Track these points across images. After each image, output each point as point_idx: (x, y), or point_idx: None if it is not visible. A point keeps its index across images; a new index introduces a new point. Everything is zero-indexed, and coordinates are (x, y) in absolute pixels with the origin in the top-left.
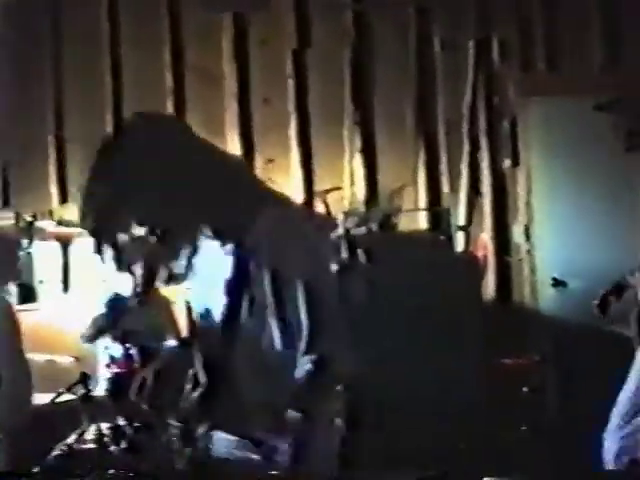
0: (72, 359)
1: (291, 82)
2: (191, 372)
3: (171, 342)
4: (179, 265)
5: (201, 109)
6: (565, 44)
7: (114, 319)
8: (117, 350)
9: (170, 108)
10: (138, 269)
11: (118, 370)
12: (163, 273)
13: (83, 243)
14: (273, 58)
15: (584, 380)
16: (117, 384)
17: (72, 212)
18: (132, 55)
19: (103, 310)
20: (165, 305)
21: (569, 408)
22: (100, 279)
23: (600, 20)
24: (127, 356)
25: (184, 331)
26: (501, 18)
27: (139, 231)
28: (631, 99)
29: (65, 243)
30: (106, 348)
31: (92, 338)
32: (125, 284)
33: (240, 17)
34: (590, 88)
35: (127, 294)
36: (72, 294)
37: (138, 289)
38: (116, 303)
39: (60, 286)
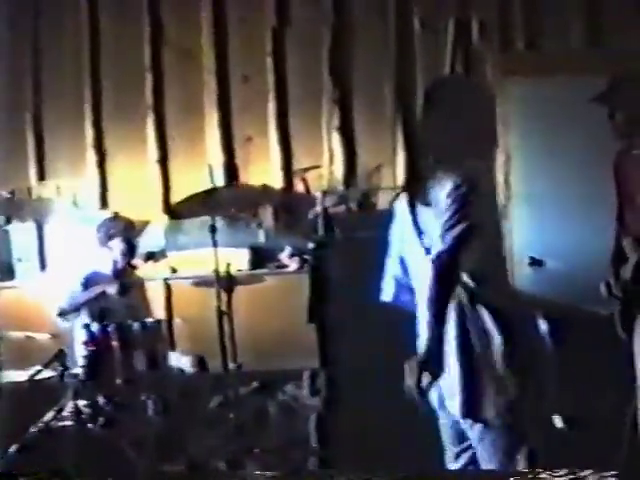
0: (49, 336)
1: (270, 60)
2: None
3: (148, 320)
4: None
5: (179, 86)
6: (544, 24)
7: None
8: (95, 327)
9: (148, 84)
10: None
11: (94, 347)
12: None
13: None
14: (252, 36)
15: (558, 359)
16: (94, 361)
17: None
18: (111, 31)
19: (79, 287)
20: (139, 284)
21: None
22: (78, 257)
23: None
24: (104, 333)
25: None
26: None
27: None
28: (627, 85)
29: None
30: (85, 326)
31: (67, 313)
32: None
33: None
34: (569, 68)
35: (105, 271)
36: (50, 271)
37: (117, 266)
38: (93, 280)
39: (38, 264)
